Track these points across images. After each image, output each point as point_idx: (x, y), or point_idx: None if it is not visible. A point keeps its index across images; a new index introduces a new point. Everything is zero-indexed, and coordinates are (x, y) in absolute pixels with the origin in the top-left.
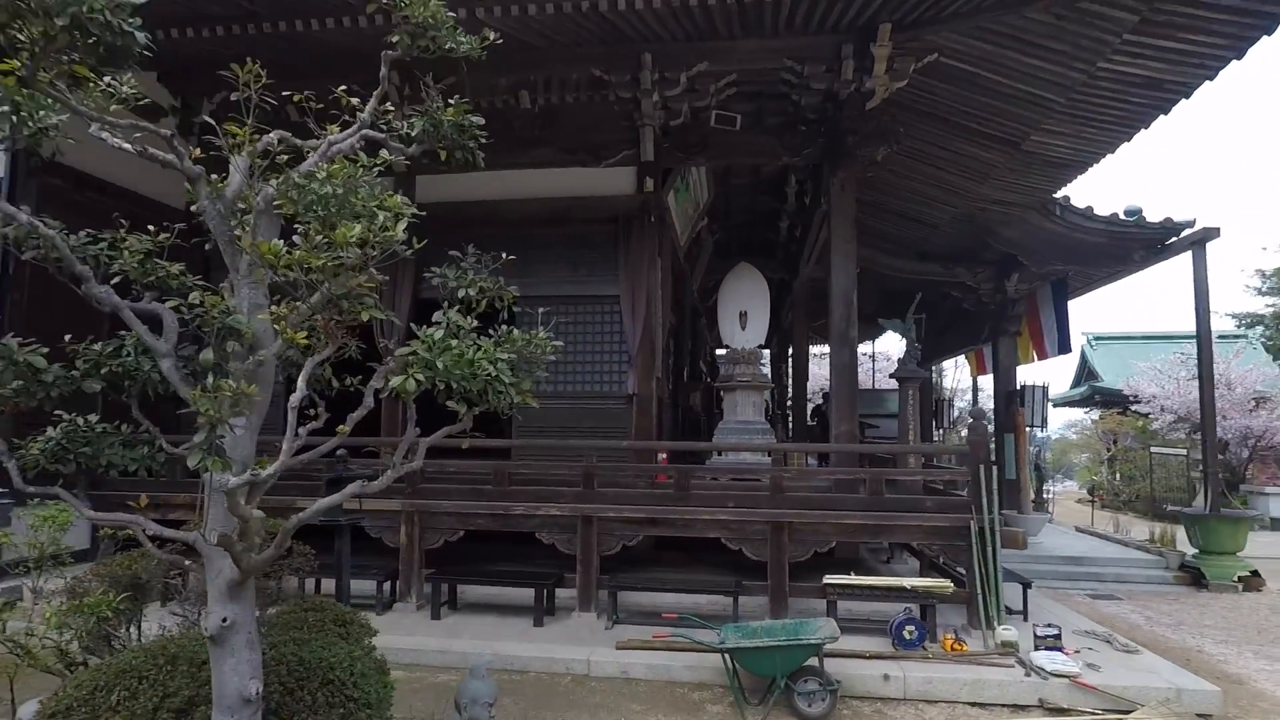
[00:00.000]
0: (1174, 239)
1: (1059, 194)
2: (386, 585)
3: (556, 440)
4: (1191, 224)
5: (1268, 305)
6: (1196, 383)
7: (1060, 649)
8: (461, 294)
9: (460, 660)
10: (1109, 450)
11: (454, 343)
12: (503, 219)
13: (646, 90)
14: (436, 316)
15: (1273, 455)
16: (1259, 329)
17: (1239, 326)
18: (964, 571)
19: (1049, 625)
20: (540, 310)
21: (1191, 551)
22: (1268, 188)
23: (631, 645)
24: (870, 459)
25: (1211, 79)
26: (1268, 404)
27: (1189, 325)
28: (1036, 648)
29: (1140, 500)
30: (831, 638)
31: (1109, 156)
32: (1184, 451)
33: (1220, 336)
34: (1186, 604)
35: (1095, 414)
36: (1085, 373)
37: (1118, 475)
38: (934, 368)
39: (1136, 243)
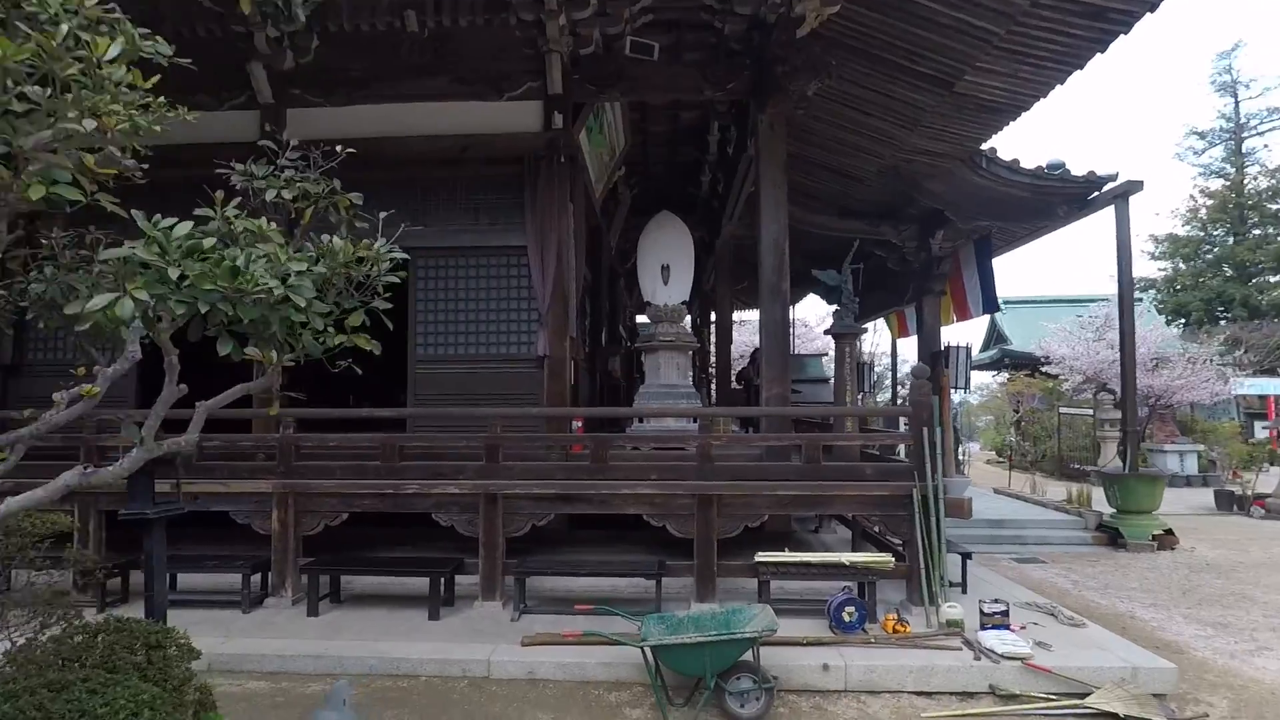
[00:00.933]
0: (1097, 193)
1: (985, 147)
2: (256, 578)
3: (454, 408)
4: (1114, 178)
5: (1159, 269)
6: (1103, 344)
7: (1008, 626)
8: (272, 196)
9: (336, 665)
10: (1016, 412)
11: (211, 246)
12: (390, 160)
13: (552, 11)
14: (200, 213)
15: (1170, 414)
16: (1151, 293)
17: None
18: (901, 543)
19: (995, 601)
20: (381, 215)
21: (1108, 511)
22: (1166, 151)
23: (539, 641)
24: (802, 424)
25: (1153, 9)
26: (1168, 365)
27: (1090, 289)
28: (984, 626)
29: (1048, 460)
30: (769, 630)
31: (1039, 102)
32: (1090, 412)
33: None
34: (1108, 565)
35: (1002, 377)
36: (994, 336)
37: (1024, 437)
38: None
39: (1060, 196)
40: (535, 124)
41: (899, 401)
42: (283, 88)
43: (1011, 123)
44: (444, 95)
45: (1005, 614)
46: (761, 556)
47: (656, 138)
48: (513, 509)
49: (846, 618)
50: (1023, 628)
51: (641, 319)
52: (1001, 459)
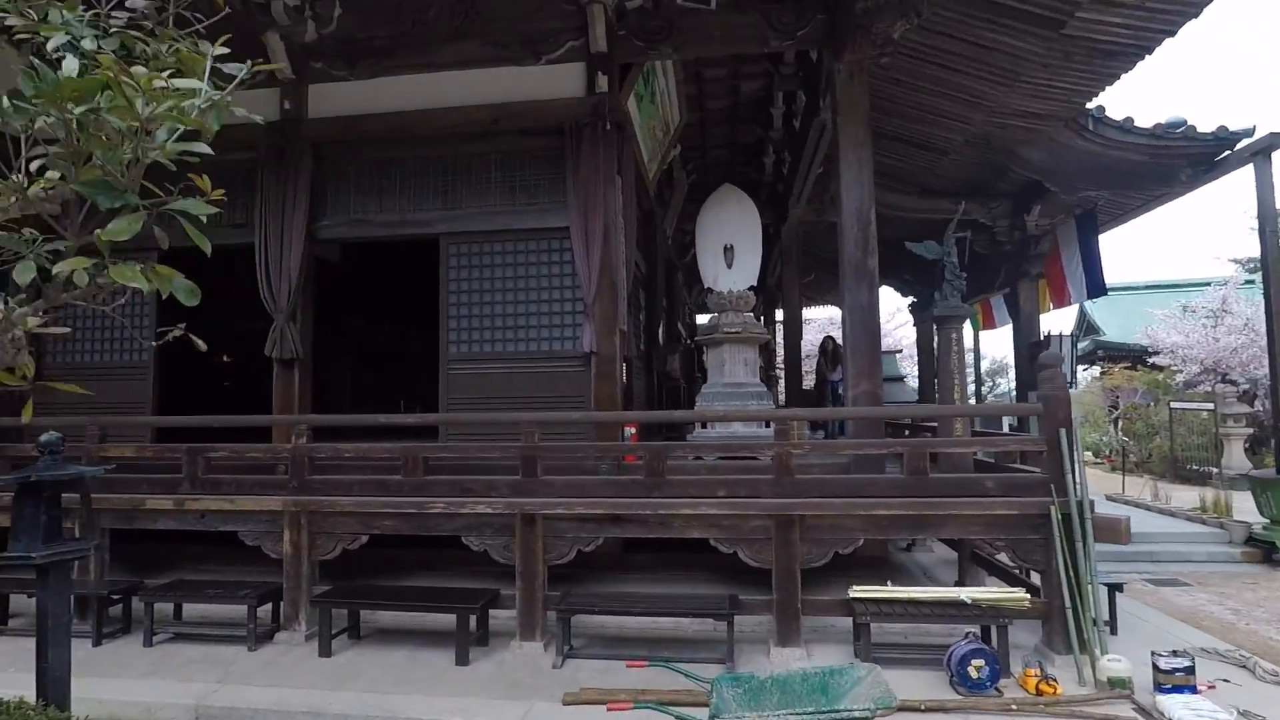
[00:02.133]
0: (1228, 152)
1: (1092, 105)
2: (267, 609)
3: (481, 414)
4: (1250, 133)
5: None
6: (1221, 330)
7: (1194, 688)
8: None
9: None
10: (1114, 408)
11: None
12: (418, 136)
13: None
14: None
15: None
16: None
17: (1245, 270)
18: (1025, 572)
19: (1175, 654)
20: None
21: (1257, 521)
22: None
23: (585, 700)
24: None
25: None
26: None
27: (1193, 272)
28: (1160, 686)
29: (1156, 461)
30: (885, 706)
31: (1166, 41)
32: (1210, 405)
33: (1243, 283)
34: (1272, 589)
35: (1095, 370)
36: (1085, 327)
37: (1127, 435)
38: (932, 325)
39: (1183, 158)
40: (577, 88)
41: (995, 399)
42: (304, 62)
43: (1128, 71)
44: (476, 61)
45: (1190, 671)
46: (858, 591)
47: (715, 115)
48: (554, 532)
49: (974, 673)
50: (1211, 686)
51: (702, 319)
52: (1099, 460)
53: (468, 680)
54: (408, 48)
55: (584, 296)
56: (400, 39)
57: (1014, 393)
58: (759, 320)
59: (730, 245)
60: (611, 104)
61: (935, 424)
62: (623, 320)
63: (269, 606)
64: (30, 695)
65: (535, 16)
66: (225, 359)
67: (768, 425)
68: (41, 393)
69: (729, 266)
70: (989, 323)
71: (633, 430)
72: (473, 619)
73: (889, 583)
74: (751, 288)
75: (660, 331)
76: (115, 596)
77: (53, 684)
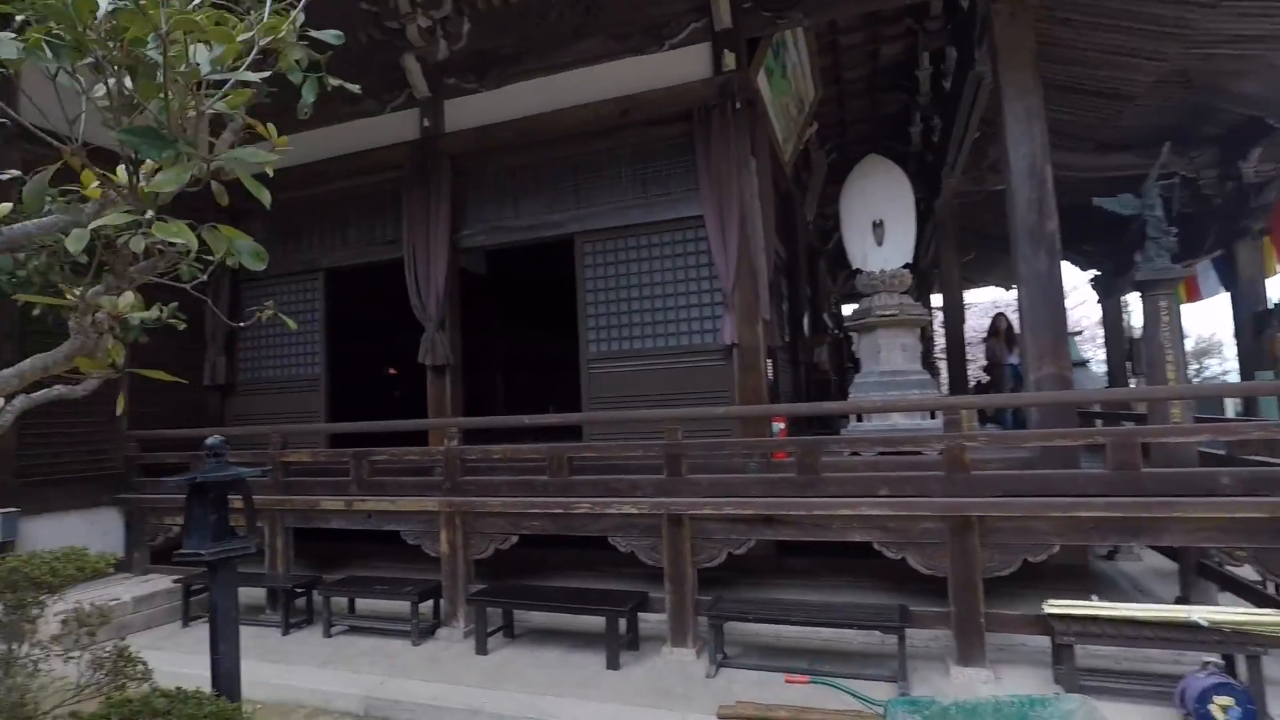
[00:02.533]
0: None
1: None
2: (428, 605)
3: (621, 412)
4: None
5: None
6: None
7: None
8: None
9: None
10: None
11: None
12: (548, 138)
13: None
14: None
15: None
16: None
17: None
18: (1262, 584)
19: None
20: None
21: None
22: None
23: (741, 715)
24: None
25: None
26: None
27: None
28: None
29: None
30: None
31: None
32: None
33: None
34: None
35: None
36: None
37: None
38: (1121, 300)
39: None
40: (703, 69)
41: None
42: (438, 80)
43: None
44: (599, 56)
45: None
46: (1055, 606)
47: (853, 86)
48: (702, 533)
49: (1218, 713)
50: None
51: (848, 309)
52: None
53: (619, 685)
54: (533, 52)
55: (722, 286)
56: (525, 45)
57: (1229, 375)
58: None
59: (879, 220)
60: (740, 82)
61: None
62: (764, 309)
63: (430, 603)
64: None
65: (656, 2)
66: (392, 371)
67: (932, 416)
68: (242, 404)
69: (879, 244)
70: (1192, 294)
71: (781, 425)
72: (622, 622)
73: (1093, 597)
74: (906, 266)
75: (805, 322)
76: (299, 590)
77: (224, 676)
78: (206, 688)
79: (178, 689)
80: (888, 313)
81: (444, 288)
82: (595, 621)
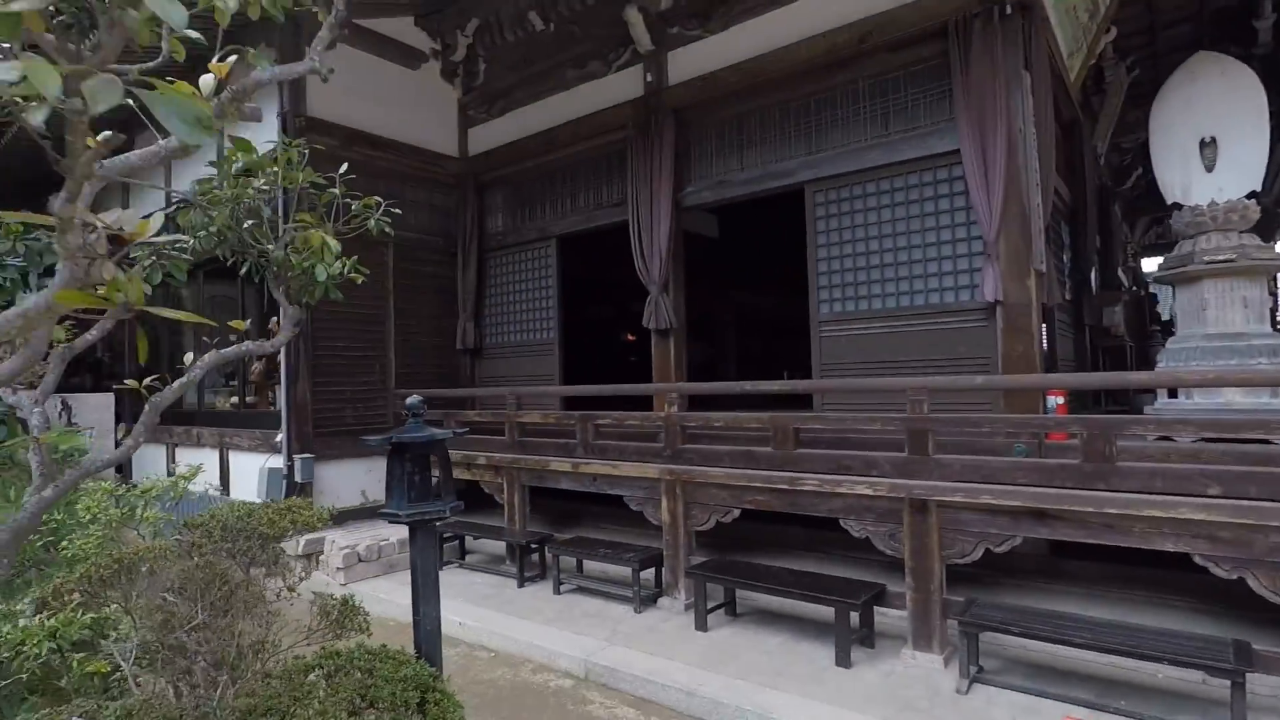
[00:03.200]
0: None
1: None
2: (650, 573)
3: (857, 379)
4: None
5: None
6: None
7: None
8: None
9: (710, 711)
10: None
11: None
12: (775, 78)
13: None
14: None
15: None
16: None
17: None
18: None
19: None
20: None
21: None
22: None
23: None
24: None
25: None
26: None
27: None
28: None
29: None
30: None
31: None
32: None
33: None
34: None
35: None
36: None
37: None
38: None
39: None
40: None
41: None
42: (660, 31)
43: None
44: None
45: None
46: None
47: None
48: (953, 524)
49: None
50: None
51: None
52: None
53: (849, 687)
54: None
55: (983, 233)
56: None
57: None
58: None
59: (1210, 138)
60: None
61: None
62: (1038, 260)
63: (652, 571)
64: (471, 622)
65: None
66: (630, 338)
67: None
68: (489, 366)
69: (1208, 168)
70: None
71: (1059, 400)
72: (854, 615)
73: None
74: (1252, 195)
75: (1093, 277)
76: (533, 546)
77: (425, 638)
78: (449, 634)
79: (382, 646)
80: (1221, 258)
81: (667, 248)
82: (824, 610)
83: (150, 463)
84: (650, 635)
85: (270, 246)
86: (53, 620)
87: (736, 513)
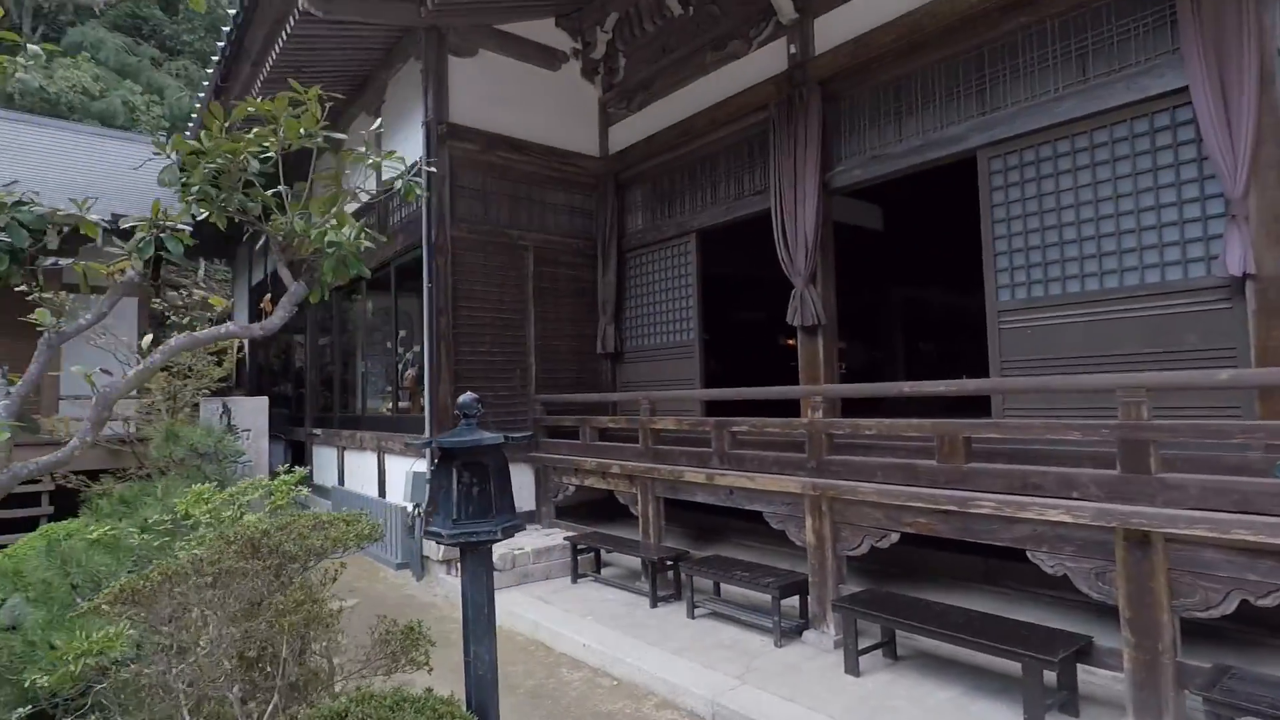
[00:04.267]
0: None
1: None
2: (794, 602)
3: (1053, 378)
4: None
5: None
6: None
7: None
8: None
9: None
10: None
11: None
12: (942, 27)
13: None
14: None
15: None
16: None
17: None
18: None
19: None
20: None
21: None
22: None
23: None
24: None
25: None
26: None
27: None
28: None
29: None
30: None
31: None
32: None
33: None
34: None
35: None
36: None
37: None
38: None
39: None
40: None
41: None
42: None
43: None
44: None
45: None
46: None
47: None
48: (1190, 565)
49: None
50: None
51: None
52: None
53: None
54: None
55: (1224, 189)
56: None
57: None
58: None
59: None
60: None
61: None
62: None
63: (797, 600)
64: (596, 644)
65: None
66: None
67: None
68: (629, 370)
69: None
70: None
71: None
72: (1050, 674)
73: None
74: None
75: None
76: (668, 563)
77: (476, 684)
78: (563, 649)
79: (428, 691)
80: None
81: (814, 236)
82: (1009, 663)
83: (325, 466)
84: (790, 676)
85: (270, 211)
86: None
87: (894, 537)
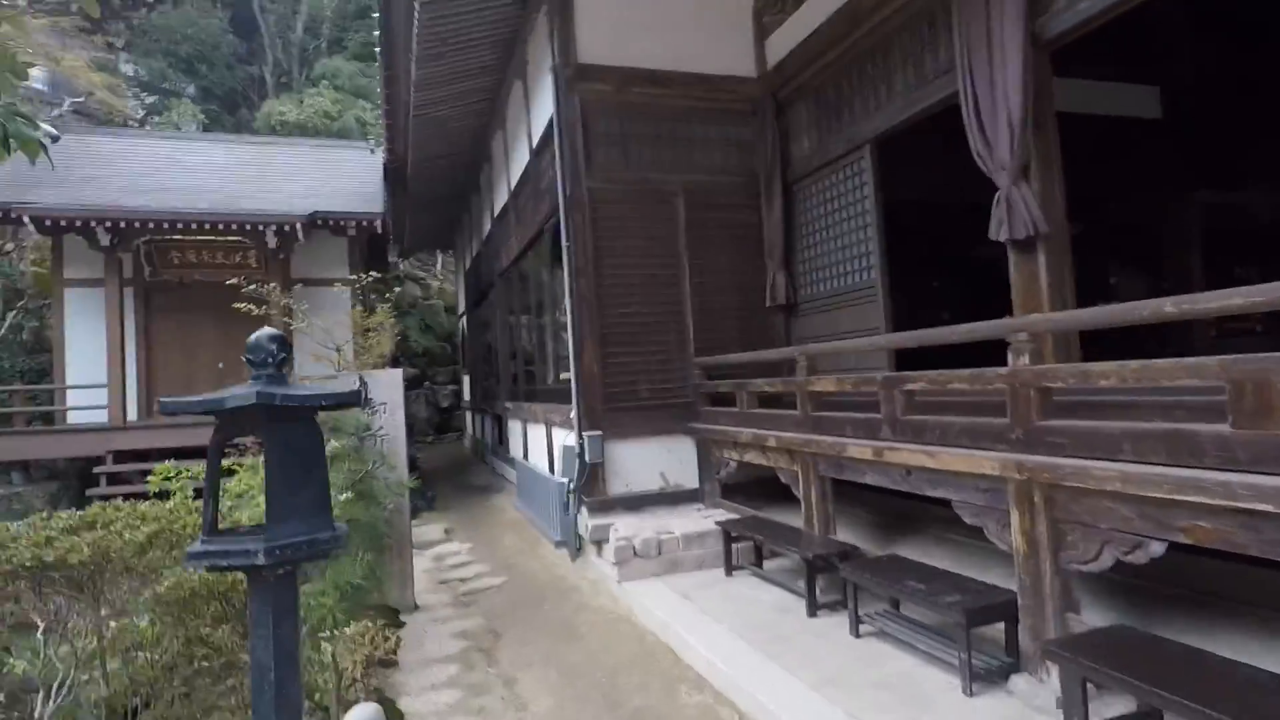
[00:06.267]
0: None
1: None
2: (997, 629)
3: None
4: None
5: None
6: None
7: None
8: None
9: None
10: None
11: None
12: None
13: None
14: None
15: None
16: None
17: None
18: None
19: None
20: None
21: None
22: None
23: None
24: None
25: None
26: None
27: None
28: None
29: None
30: None
31: None
32: None
33: None
34: None
35: None
36: None
37: None
38: None
39: None
40: None
41: None
42: None
43: None
44: None
45: None
46: None
47: None
48: None
49: None
50: None
51: None
52: None
53: None
54: None
55: None
56: None
57: None
58: None
59: None
60: None
61: None
62: None
63: (1002, 627)
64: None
65: None
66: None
67: None
68: (803, 324)
69: None
70: None
71: None
72: None
73: None
74: None
75: None
76: (831, 562)
77: None
78: (690, 660)
79: None
80: None
81: (1020, 109)
82: None
83: (514, 440)
84: None
85: None
86: None
87: (1155, 548)
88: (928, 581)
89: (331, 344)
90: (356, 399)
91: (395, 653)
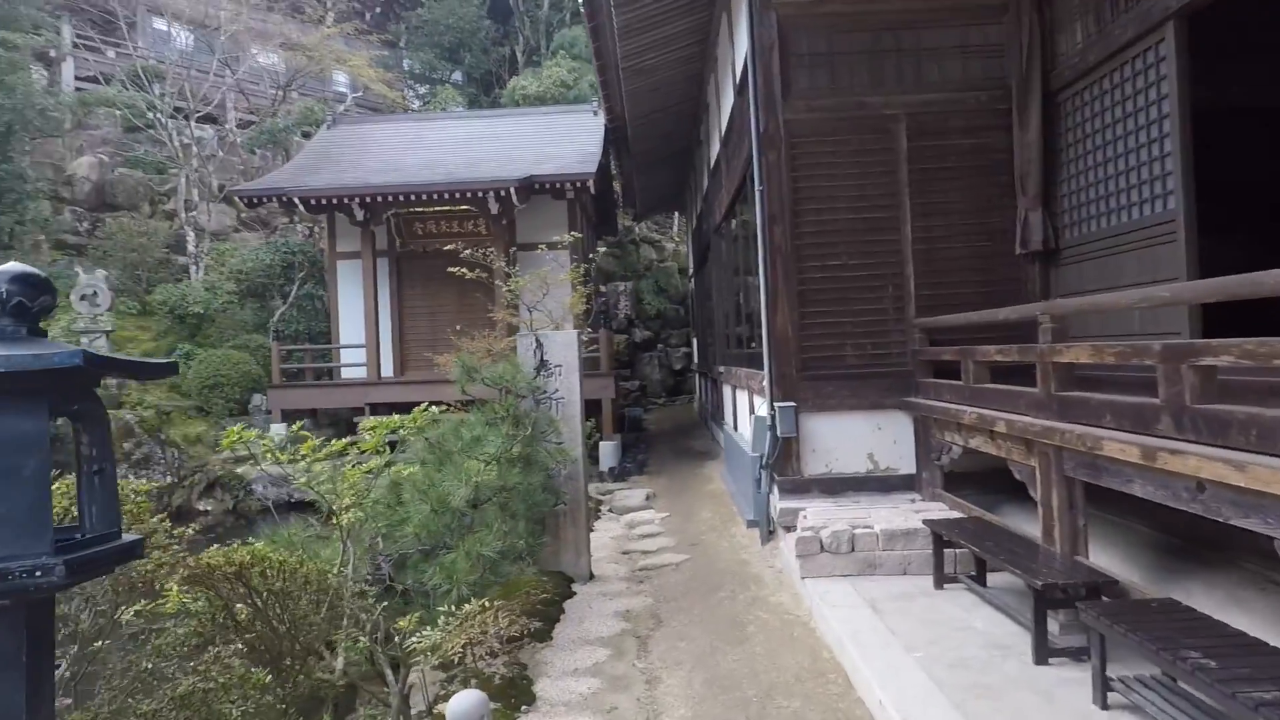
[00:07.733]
0: None
1: None
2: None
3: None
4: None
5: None
6: None
7: None
8: None
9: None
10: None
11: None
12: None
13: None
14: None
15: None
16: None
17: None
18: None
19: None
20: None
21: None
22: None
23: None
24: None
25: None
26: None
27: None
28: None
29: None
30: None
31: None
32: None
33: None
34: None
35: None
36: None
37: None
38: None
39: None
40: None
41: None
42: None
43: None
44: None
45: None
46: None
47: None
48: None
49: None
50: None
51: None
52: None
53: None
54: None
55: None
56: None
57: None
58: None
59: None
60: None
61: None
62: None
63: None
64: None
65: None
66: None
67: None
68: (1070, 275)
69: None
70: None
71: None
72: None
73: None
74: None
75: None
76: (1070, 595)
77: None
78: (862, 693)
79: None
80: None
81: None
82: None
83: (726, 405)
84: None
85: None
86: None
87: None
88: (1221, 656)
89: (539, 305)
90: (140, 370)
91: (550, 632)
